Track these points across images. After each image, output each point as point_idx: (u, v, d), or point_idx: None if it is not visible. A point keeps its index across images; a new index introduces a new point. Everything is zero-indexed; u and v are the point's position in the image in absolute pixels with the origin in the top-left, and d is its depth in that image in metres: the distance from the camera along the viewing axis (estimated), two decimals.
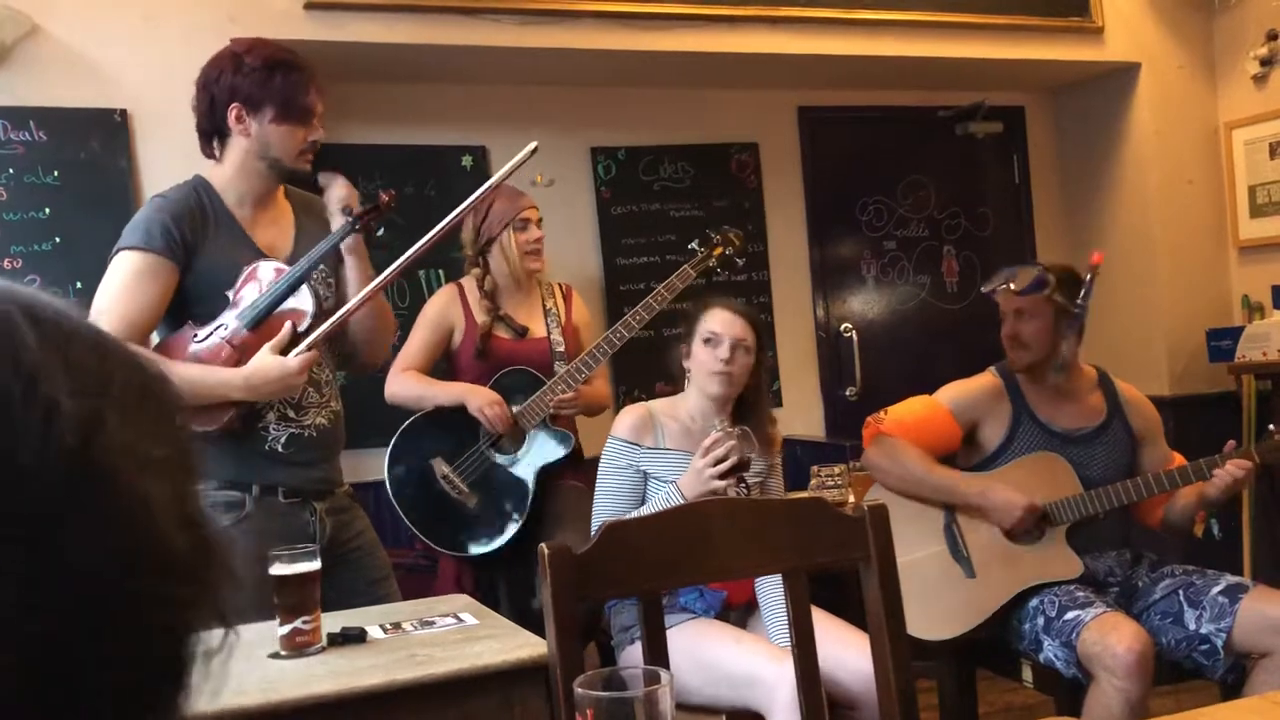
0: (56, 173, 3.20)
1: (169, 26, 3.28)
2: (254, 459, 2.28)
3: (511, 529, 3.00)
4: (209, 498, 2.21)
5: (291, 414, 2.32)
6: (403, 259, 2.30)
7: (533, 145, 2.37)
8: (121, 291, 2.23)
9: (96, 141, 3.24)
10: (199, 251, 2.28)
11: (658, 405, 2.63)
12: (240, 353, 2.24)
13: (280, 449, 2.30)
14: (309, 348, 2.25)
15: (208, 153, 2.38)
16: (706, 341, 2.53)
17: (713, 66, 4.12)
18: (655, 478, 2.52)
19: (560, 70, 4.01)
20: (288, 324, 2.26)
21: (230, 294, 2.29)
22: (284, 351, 2.23)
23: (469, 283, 3.22)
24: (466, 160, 4.06)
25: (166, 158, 3.23)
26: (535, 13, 3.67)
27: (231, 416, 2.23)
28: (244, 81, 2.29)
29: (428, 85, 4.02)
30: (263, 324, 2.26)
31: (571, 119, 4.23)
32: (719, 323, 2.54)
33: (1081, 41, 4.46)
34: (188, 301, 2.29)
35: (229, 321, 2.27)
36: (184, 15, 3.29)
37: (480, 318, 3.16)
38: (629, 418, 2.57)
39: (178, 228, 2.26)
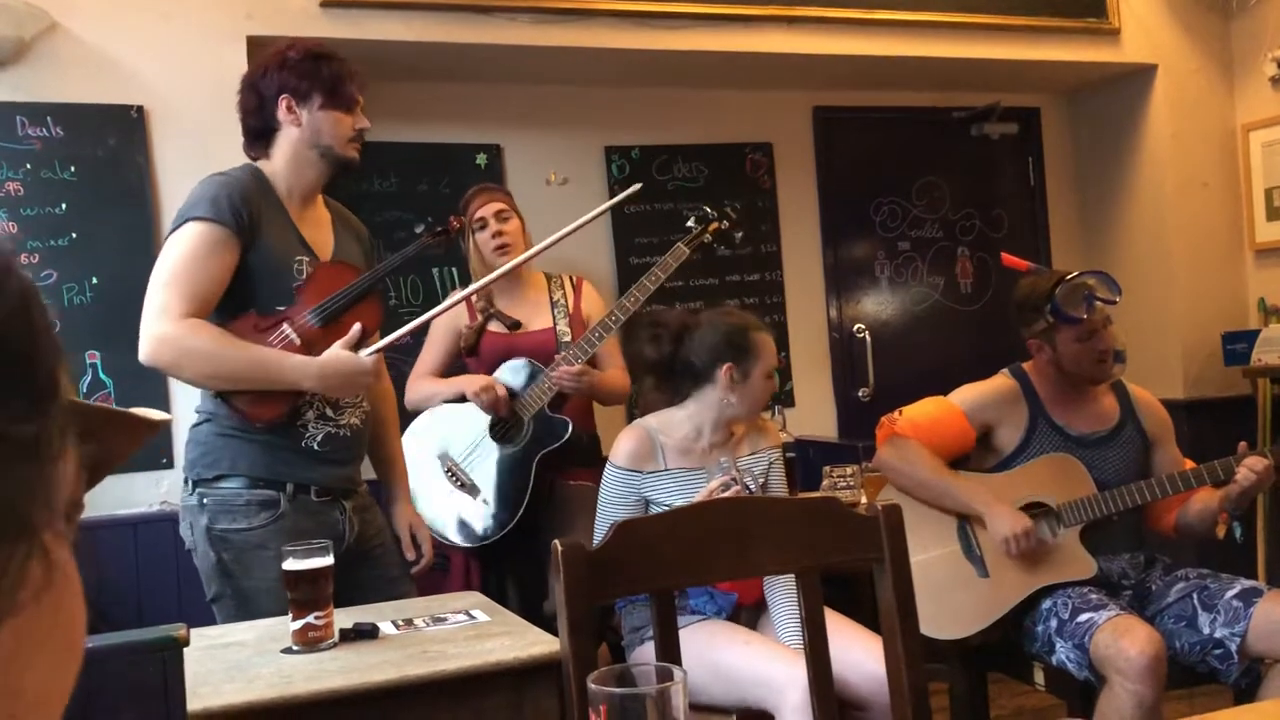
0: (73, 168, 3.21)
1: (186, 23, 3.30)
2: (290, 457, 2.28)
3: (513, 516, 3.02)
4: (243, 496, 2.22)
5: (330, 413, 2.32)
6: (484, 281, 2.57)
7: (637, 186, 2.53)
8: (189, 262, 2.18)
9: (113, 137, 3.25)
10: (260, 233, 2.27)
11: (654, 422, 2.58)
12: (307, 348, 2.24)
13: (316, 447, 2.30)
14: (381, 349, 2.28)
15: (253, 154, 2.39)
16: (769, 376, 2.56)
17: (727, 66, 4.12)
18: (658, 503, 2.50)
19: (575, 69, 4.02)
20: (357, 325, 2.27)
21: (296, 288, 2.29)
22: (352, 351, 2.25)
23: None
24: (481, 159, 4.07)
25: (183, 154, 3.24)
26: (550, 11, 3.67)
27: (284, 410, 2.24)
28: (291, 74, 2.32)
29: (443, 84, 4.03)
30: (334, 322, 2.27)
31: (585, 118, 4.24)
32: (773, 355, 2.59)
33: (1097, 43, 4.44)
34: (245, 286, 2.26)
35: (295, 315, 2.27)
36: (201, 12, 3.31)
37: (478, 317, 3.23)
38: (628, 444, 2.53)
39: (245, 205, 2.24)
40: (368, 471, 2.56)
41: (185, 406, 2.65)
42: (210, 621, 2.20)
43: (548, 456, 3.05)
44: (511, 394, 3.08)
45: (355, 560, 2.37)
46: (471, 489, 3.05)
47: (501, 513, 3.03)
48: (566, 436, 3.05)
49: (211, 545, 2.24)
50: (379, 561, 2.44)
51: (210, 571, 2.26)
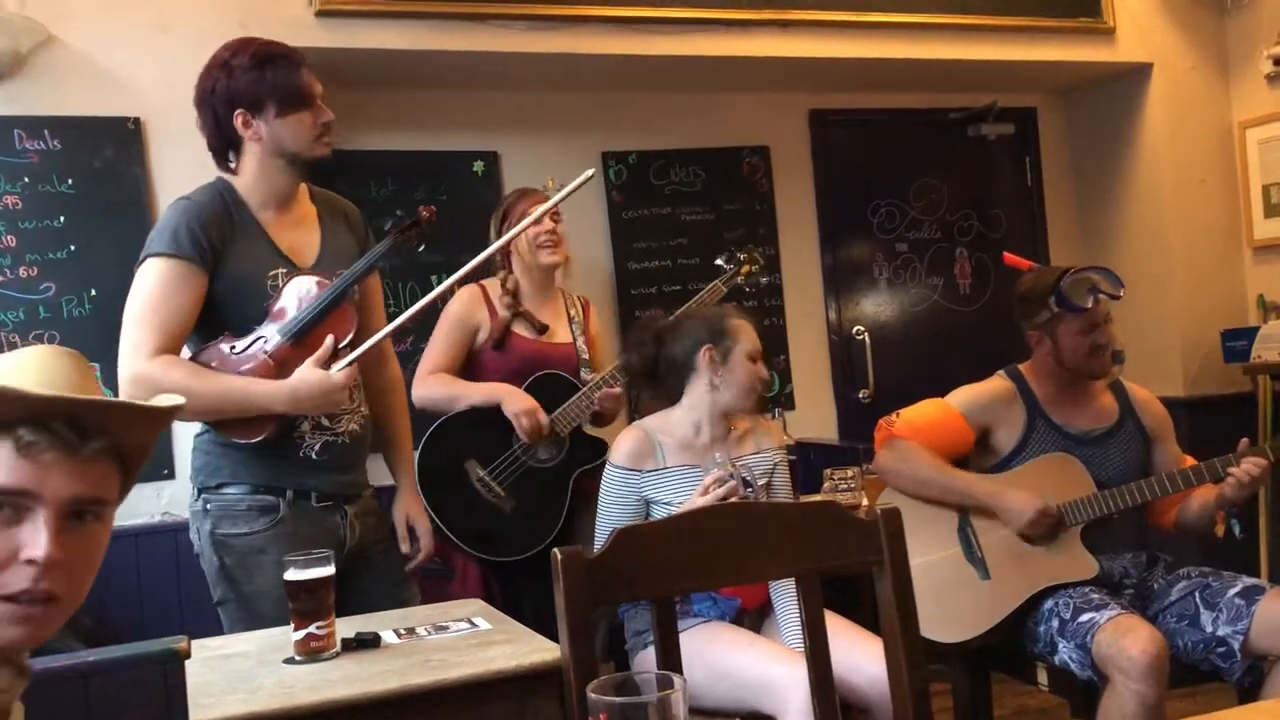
0: (71, 181, 3.22)
1: (181, 34, 3.30)
2: (289, 466, 2.28)
3: (551, 532, 2.97)
4: (244, 501, 2.22)
5: (326, 422, 2.32)
6: (452, 278, 2.40)
7: (590, 172, 2.47)
8: (154, 300, 2.19)
9: (110, 149, 3.26)
10: (226, 257, 2.25)
11: (652, 423, 2.60)
12: (280, 366, 2.22)
13: (314, 456, 2.31)
14: (350, 363, 2.25)
15: (225, 168, 2.35)
16: (753, 359, 2.56)
17: (723, 70, 4.12)
18: (658, 501, 2.51)
19: (570, 75, 4.02)
20: (329, 338, 2.24)
21: (267, 306, 2.27)
22: (325, 366, 2.22)
23: (491, 284, 3.19)
24: (478, 166, 4.07)
25: (180, 165, 3.24)
26: (544, 18, 3.68)
27: (271, 430, 2.23)
28: (238, 84, 2.26)
29: (439, 91, 4.03)
30: (304, 338, 2.25)
31: (582, 123, 4.24)
32: (754, 339, 2.59)
33: (1093, 42, 4.45)
34: (217, 310, 2.26)
35: (268, 334, 2.25)
36: (196, 23, 3.31)
37: (501, 313, 3.14)
38: (627, 443, 2.55)
39: (205, 233, 2.22)
40: (378, 477, 2.56)
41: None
42: (212, 631, 2.20)
43: (583, 473, 3.01)
44: (550, 408, 3.01)
45: (357, 565, 2.37)
46: (506, 501, 2.98)
47: (539, 529, 2.97)
48: (606, 454, 3.02)
49: (215, 550, 2.26)
50: (382, 567, 2.44)
51: (214, 576, 2.28)
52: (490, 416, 3.00)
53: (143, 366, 2.15)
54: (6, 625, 1.04)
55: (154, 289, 2.20)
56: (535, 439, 2.97)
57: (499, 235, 3.23)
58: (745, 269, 3.39)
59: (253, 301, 2.27)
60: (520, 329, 3.14)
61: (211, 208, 2.27)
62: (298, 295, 2.28)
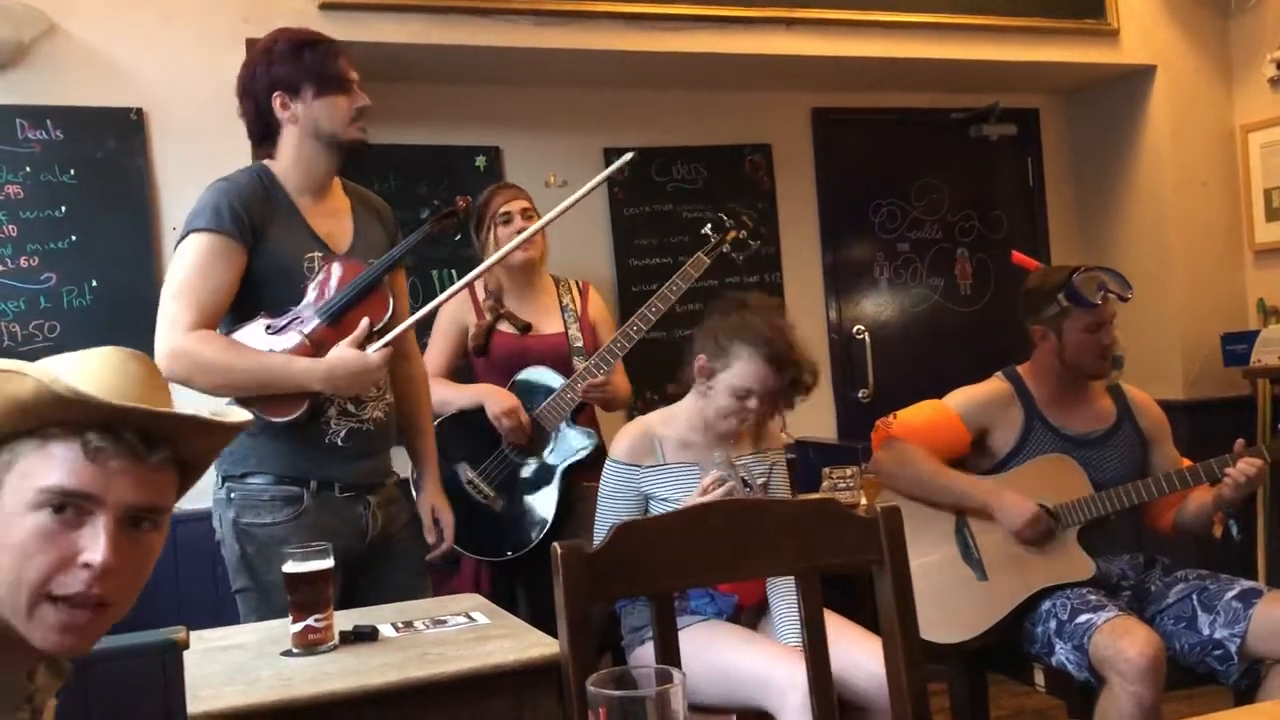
0: (73, 171, 3.21)
1: (185, 26, 3.30)
2: (314, 453, 2.29)
3: (541, 530, 2.96)
4: (268, 491, 2.23)
5: (351, 408, 2.33)
6: (480, 269, 2.50)
7: (630, 155, 2.46)
8: (194, 274, 2.21)
9: (113, 140, 3.25)
10: (265, 236, 2.28)
11: (654, 419, 2.59)
12: (316, 347, 2.25)
13: (340, 443, 2.32)
14: (387, 344, 2.27)
15: (261, 154, 2.39)
16: (738, 395, 2.44)
17: (726, 68, 4.12)
18: (657, 498, 2.50)
19: (574, 71, 4.02)
20: (364, 320, 2.27)
21: (305, 287, 2.29)
22: (360, 347, 2.24)
23: (479, 284, 3.22)
24: (480, 160, 4.07)
25: (183, 156, 3.24)
26: (550, 13, 3.67)
27: (304, 409, 2.25)
28: (277, 68, 2.32)
29: (442, 85, 4.03)
30: (340, 320, 2.27)
31: (585, 120, 4.24)
32: (755, 379, 2.42)
33: (1096, 44, 4.45)
34: (254, 289, 2.28)
35: (305, 315, 2.28)
36: (200, 15, 3.31)
37: (485, 316, 3.17)
38: (626, 440, 2.54)
39: (246, 210, 2.25)
40: (400, 467, 2.56)
41: (201, 407, 2.64)
42: (212, 622, 2.20)
43: (570, 467, 3.00)
44: (535, 403, 3.01)
45: (377, 555, 2.39)
46: (495, 502, 2.98)
47: (530, 527, 2.96)
48: (593, 448, 3.00)
49: (237, 539, 2.28)
50: (403, 556, 2.46)
51: (235, 564, 2.30)
52: (478, 419, 3.01)
53: (180, 341, 2.16)
54: (56, 632, 1.05)
55: (193, 263, 2.22)
56: (517, 439, 2.97)
57: (476, 234, 3.26)
58: (730, 235, 3.15)
59: (290, 282, 2.30)
60: (504, 327, 3.15)
61: (250, 188, 2.31)
62: (324, 279, 2.31)
